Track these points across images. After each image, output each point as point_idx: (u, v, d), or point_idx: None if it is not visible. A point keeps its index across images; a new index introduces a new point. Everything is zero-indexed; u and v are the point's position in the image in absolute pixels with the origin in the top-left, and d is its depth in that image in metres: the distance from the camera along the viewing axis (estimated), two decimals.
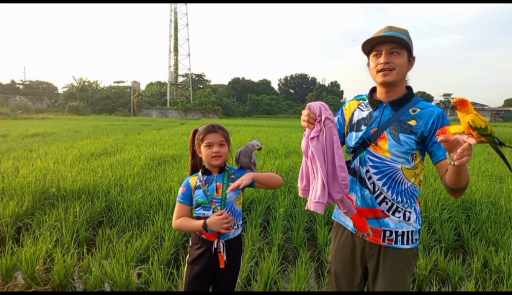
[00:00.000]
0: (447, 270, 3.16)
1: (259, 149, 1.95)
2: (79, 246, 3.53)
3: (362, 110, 1.74)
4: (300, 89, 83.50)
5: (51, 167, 6.53)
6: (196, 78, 76.02)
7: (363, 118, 1.71)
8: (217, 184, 1.89)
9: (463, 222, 4.22)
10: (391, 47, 1.58)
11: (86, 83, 67.86)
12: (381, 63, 1.59)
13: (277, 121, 38.65)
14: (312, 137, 1.42)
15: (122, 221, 4.08)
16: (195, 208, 1.92)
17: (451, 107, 1.32)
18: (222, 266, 1.83)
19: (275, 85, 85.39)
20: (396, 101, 1.64)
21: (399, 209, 1.61)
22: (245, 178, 1.77)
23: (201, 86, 76.46)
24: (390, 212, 1.61)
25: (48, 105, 66.56)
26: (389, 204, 1.61)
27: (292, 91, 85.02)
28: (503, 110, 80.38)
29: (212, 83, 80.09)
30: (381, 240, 1.62)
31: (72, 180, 5.33)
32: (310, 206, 1.44)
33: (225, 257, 1.84)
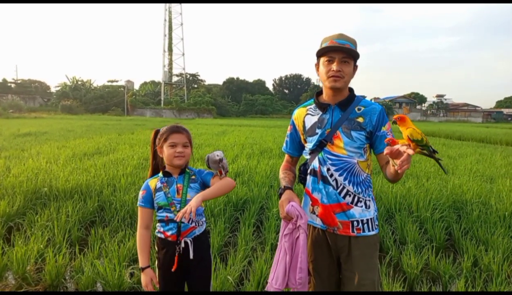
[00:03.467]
0: (438, 269, 3.19)
1: (220, 160, 1.91)
2: (71, 246, 3.51)
3: (312, 115, 1.87)
4: (295, 90, 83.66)
5: (43, 167, 6.48)
6: (191, 78, 75.82)
7: (315, 122, 1.84)
8: (178, 185, 1.88)
9: (454, 222, 4.26)
10: (343, 56, 1.71)
11: (79, 82, 67.23)
12: (333, 70, 1.72)
13: (272, 122, 38.67)
14: (286, 234, 1.72)
15: (114, 220, 4.06)
16: (157, 210, 1.90)
17: (393, 122, 1.56)
18: (173, 269, 1.82)
19: (269, 85, 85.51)
20: (343, 102, 1.79)
21: (361, 199, 1.77)
22: (194, 203, 1.69)
23: (196, 86, 76.29)
24: (354, 203, 1.76)
25: (40, 104, 65.93)
26: (352, 196, 1.76)
27: (286, 91, 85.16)
28: (494, 112, 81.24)
29: (206, 83, 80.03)
30: (350, 231, 1.76)
31: (64, 179, 5.29)
32: (270, 289, 1.73)
33: (192, 254, 1.85)
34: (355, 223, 1.75)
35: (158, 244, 1.93)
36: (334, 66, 1.71)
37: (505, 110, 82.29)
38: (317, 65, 1.83)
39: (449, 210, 4.60)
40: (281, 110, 70.74)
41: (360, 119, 1.76)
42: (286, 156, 2.09)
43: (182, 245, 1.84)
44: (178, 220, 1.69)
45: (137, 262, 3.14)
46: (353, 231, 1.75)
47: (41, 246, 3.24)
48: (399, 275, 3.09)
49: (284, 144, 2.07)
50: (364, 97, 1.85)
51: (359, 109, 1.78)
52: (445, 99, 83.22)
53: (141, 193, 1.92)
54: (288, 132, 2.03)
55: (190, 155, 1.92)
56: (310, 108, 1.90)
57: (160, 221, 1.89)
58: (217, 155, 1.91)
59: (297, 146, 2.00)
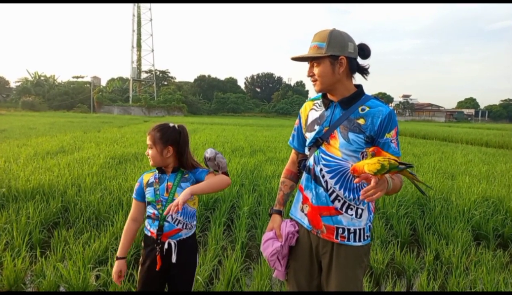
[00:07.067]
0: (402, 263, 3.31)
1: (210, 159, 1.88)
2: (32, 249, 3.34)
3: (316, 111, 1.78)
4: (267, 88, 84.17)
5: (1, 166, 6.13)
6: (160, 74, 74.42)
7: (316, 119, 1.75)
8: (168, 183, 1.85)
9: (418, 217, 4.44)
10: (311, 59, 1.67)
11: (42, 78, 64.40)
12: (308, 76, 1.70)
13: (243, 120, 38.70)
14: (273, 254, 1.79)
15: (79, 221, 3.91)
16: (147, 205, 1.89)
17: (372, 154, 1.45)
18: (157, 269, 1.80)
19: (241, 83, 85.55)
20: (344, 100, 1.66)
21: (352, 206, 1.65)
22: (181, 197, 1.64)
23: (166, 83, 75.00)
24: (343, 209, 1.65)
25: None
26: (342, 201, 1.65)
27: (258, 90, 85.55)
28: (456, 112, 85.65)
29: (177, 80, 78.84)
30: (334, 237, 1.66)
31: (25, 179, 5.03)
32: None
33: (175, 258, 1.81)
34: (340, 230, 1.65)
35: (144, 240, 1.91)
36: (307, 72, 1.67)
37: (466, 111, 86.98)
38: None
39: (414, 206, 4.78)
40: (253, 109, 71.04)
41: (361, 121, 1.61)
42: (292, 152, 1.97)
43: (166, 246, 1.81)
44: (165, 214, 1.68)
45: (103, 264, 3.05)
46: (336, 238, 1.65)
47: None
48: (365, 270, 3.17)
49: (291, 138, 1.96)
50: (375, 97, 1.69)
51: (363, 109, 1.63)
52: (411, 100, 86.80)
53: (135, 185, 1.93)
54: (295, 125, 1.92)
55: (156, 155, 1.83)
56: (316, 103, 1.80)
57: (148, 217, 1.88)
58: (206, 153, 1.88)
59: (301, 140, 1.89)
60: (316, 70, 1.64)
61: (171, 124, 1.89)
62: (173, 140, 1.85)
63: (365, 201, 1.52)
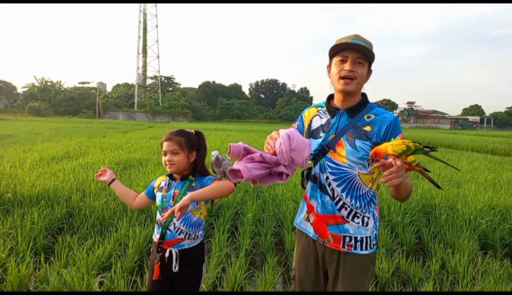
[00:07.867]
0: (408, 272, 3.27)
1: (217, 159, 1.82)
2: (36, 254, 3.35)
3: (321, 118, 1.76)
4: (271, 94, 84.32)
5: (7, 171, 6.17)
6: (165, 80, 74.87)
7: (321, 126, 1.74)
8: (175, 191, 1.84)
9: (423, 226, 4.39)
10: (357, 56, 1.60)
11: (48, 83, 65.04)
12: (345, 70, 1.60)
13: (248, 126, 38.74)
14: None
15: (84, 227, 3.91)
16: (157, 210, 1.91)
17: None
18: (155, 278, 1.79)
19: (246, 89, 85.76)
20: (352, 108, 1.67)
21: (358, 214, 1.64)
22: (179, 203, 1.60)
23: (171, 89, 75.41)
24: (350, 218, 1.64)
25: (6, 105, 63.34)
26: (348, 209, 1.64)
27: (262, 96, 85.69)
28: (461, 119, 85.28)
29: (182, 86, 79.26)
30: (341, 246, 1.65)
31: (30, 184, 5.05)
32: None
33: (176, 267, 1.79)
34: (347, 239, 1.64)
35: (153, 246, 1.94)
36: (346, 66, 1.60)
37: (471, 118, 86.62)
38: (329, 67, 1.72)
39: (419, 214, 4.73)
40: (257, 115, 71.11)
41: (368, 128, 1.62)
42: None
43: (167, 253, 1.80)
44: (163, 220, 1.72)
45: (106, 270, 3.04)
46: (343, 246, 1.64)
47: (3, 255, 3.07)
48: (371, 279, 3.14)
49: None
50: (379, 105, 1.71)
51: (368, 117, 1.64)
52: (416, 106, 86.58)
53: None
54: (294, 127, 1.84)
55: (183, 161, 1.82)
56: (321, 110, 1.79)
57: (156, 222, 1.91)
58: (212, 156, 1.83)
59: None
60: (359, 69, 1.61)
61: (188, 130, 1.90)
62: (195, 145, 1.88)
63: (373, 210, 1.53)
